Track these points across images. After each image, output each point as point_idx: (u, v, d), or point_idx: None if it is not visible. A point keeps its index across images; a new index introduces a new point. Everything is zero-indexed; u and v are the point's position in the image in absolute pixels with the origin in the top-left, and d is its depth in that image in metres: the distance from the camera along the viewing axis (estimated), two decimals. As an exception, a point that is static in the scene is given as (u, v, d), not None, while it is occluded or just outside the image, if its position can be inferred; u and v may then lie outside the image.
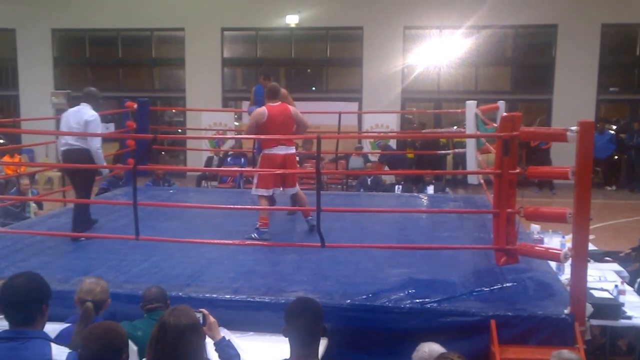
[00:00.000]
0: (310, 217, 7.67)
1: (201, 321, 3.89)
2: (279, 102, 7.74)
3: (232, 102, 21.43)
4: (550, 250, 6.00)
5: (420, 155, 18.02)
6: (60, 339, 4.01)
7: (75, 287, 5.40)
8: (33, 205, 11.83)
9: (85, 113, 7.66)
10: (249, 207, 8.69)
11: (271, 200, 8.01)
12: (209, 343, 3.95)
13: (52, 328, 4.21)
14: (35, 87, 21.08)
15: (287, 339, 3.59)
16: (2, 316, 3.92)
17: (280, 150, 7.50)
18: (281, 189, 7.88)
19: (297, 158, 8.35)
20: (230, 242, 6.96)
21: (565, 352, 4.09)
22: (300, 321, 3.58)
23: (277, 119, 7.57)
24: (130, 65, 22.82)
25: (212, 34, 20.74)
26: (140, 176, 13.66)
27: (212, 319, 4.12)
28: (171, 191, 11.44)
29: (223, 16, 20.55)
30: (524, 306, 5.32)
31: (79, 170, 7.63)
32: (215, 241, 6.87)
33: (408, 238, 7.68)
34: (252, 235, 7.37)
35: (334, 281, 6.02)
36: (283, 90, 8.18)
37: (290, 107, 7.80)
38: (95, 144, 7.51)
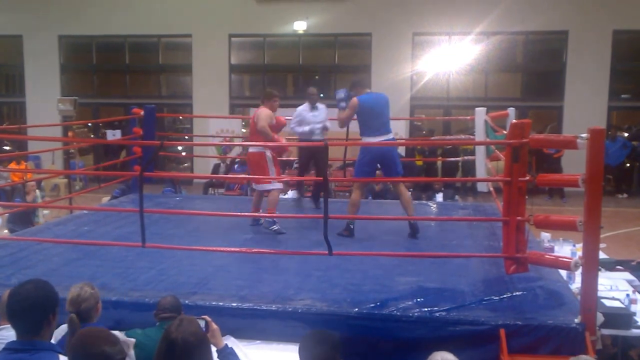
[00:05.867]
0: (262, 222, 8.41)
1: (204, 328, 3.85)
2: (260, 108, 8.66)
3: (239, 109, 21.45)
4: (561, 259, 5.92)
5: (429, 162, 17.97)
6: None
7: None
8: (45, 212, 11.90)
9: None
10: (257, 214, 8.67)
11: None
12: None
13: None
14: (41, 94, 21.12)
15: (295, 348, 3.57)
16: (6, 326, 3.88)
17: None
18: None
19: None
20: (237, 249, 6.91)
21: (584, 357, 4.03)
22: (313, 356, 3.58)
23: (251, 122, 8.73)
24: (137, 71, 22.91)
25: (220, 40, 20.80)
26: (153, 183, 13.69)
27: (214, 326, 4.07)
28: (178, 198, 11.42)
29: (230, 22, 20.60)
30: (534, 315, 5.25)
31: None
32: (222, 249, 6.82)
33: (417, 246, 7.62)
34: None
35: (341, 289, 5.96)
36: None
37: (256, 111, 8.64)
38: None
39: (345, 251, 6.77)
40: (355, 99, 8.09)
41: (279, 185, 8.47)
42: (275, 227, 8.09)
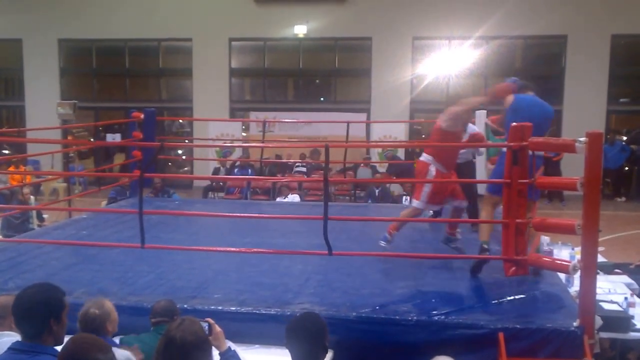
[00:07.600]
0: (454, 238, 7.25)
1: (207, 331, 3.84)
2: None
3: (239, 113, 21.42)
4: (559, 262, 5.92)
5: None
6: None
7: (79, 299, 5.36)
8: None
9: None
10: (256, 215, 8.65)
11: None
12: (215, 354, 3.89)
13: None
14: (41, 98, 21.04)
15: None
16: (2, 332, 3.89)
17: None
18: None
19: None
20: (237, 249, 6.87)
21: None
22: (300, 337, 3.58)
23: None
24: (137, 75, 22.88)
25: (220, 44, 20.78)
26: (145, 186, 13.68)
27: (218, 328, 4.07)
28: (176, 202, 11.39)
29: (231, 26, 20.58)
30: (533, 318, 5.26)
31: None
32: (221, 249, 6.78)
33: (416, 249, 7.61)
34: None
35: (341, 293, 5.96)
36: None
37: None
38: None
39: (344, 252, 6.76)
40: (512, 95, 7.04)
41: (420, 205, 7.10)
42: (383, 243, 7.13)
